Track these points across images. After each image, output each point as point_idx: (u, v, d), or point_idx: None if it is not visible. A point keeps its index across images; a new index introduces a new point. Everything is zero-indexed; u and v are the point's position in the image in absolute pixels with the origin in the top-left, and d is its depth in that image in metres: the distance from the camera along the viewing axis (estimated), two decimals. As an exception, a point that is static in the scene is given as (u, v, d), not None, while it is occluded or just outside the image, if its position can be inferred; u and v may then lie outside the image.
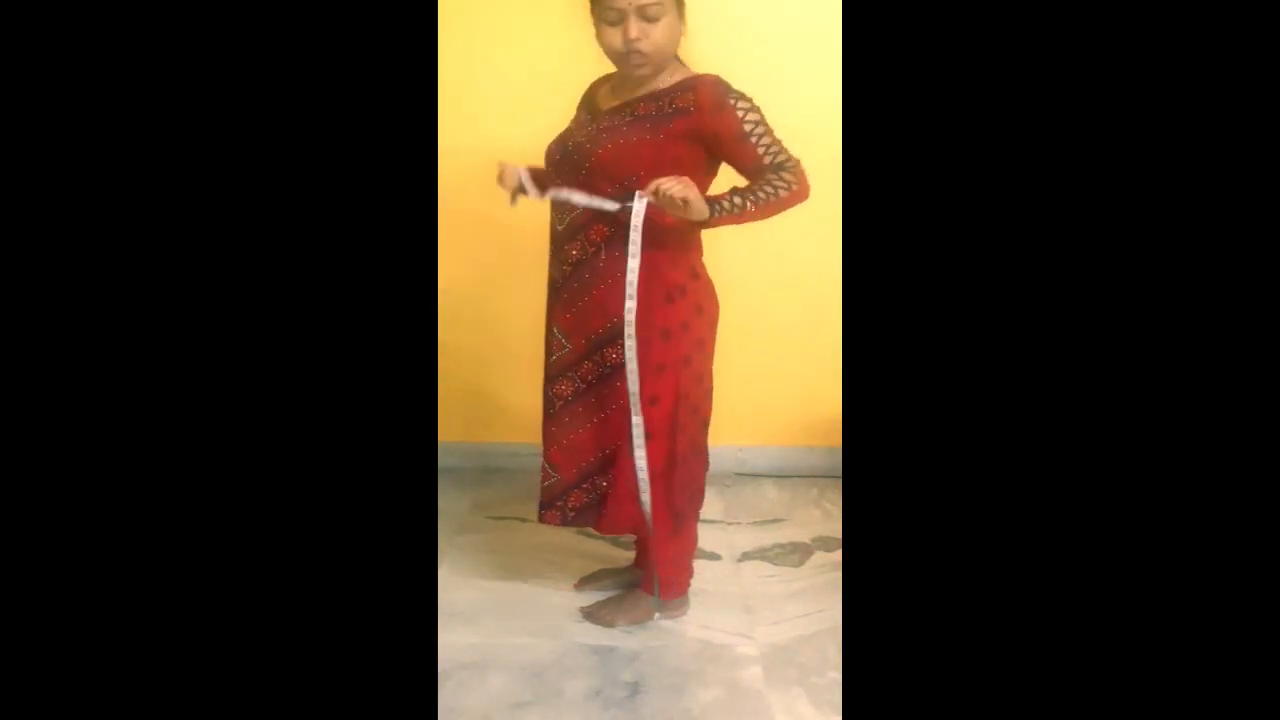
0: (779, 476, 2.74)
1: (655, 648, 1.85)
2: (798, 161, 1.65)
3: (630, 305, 1.66)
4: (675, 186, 1.54)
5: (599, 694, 1.70)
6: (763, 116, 1.64)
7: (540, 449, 1.85)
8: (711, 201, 1.60)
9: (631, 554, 2.13)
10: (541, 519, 1.87)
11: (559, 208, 1.74)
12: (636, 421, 1.72)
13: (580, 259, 1.72)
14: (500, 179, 1.79)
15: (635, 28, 1.57)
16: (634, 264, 1.64)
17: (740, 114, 1.62)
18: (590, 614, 1.96)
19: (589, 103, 1.81)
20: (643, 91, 1.68)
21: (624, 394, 1.73)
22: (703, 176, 1.69)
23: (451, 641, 1.84)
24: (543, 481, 1.85)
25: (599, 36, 1.65)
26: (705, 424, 1.85)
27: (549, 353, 1.82)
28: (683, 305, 1.72)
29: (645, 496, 1.78)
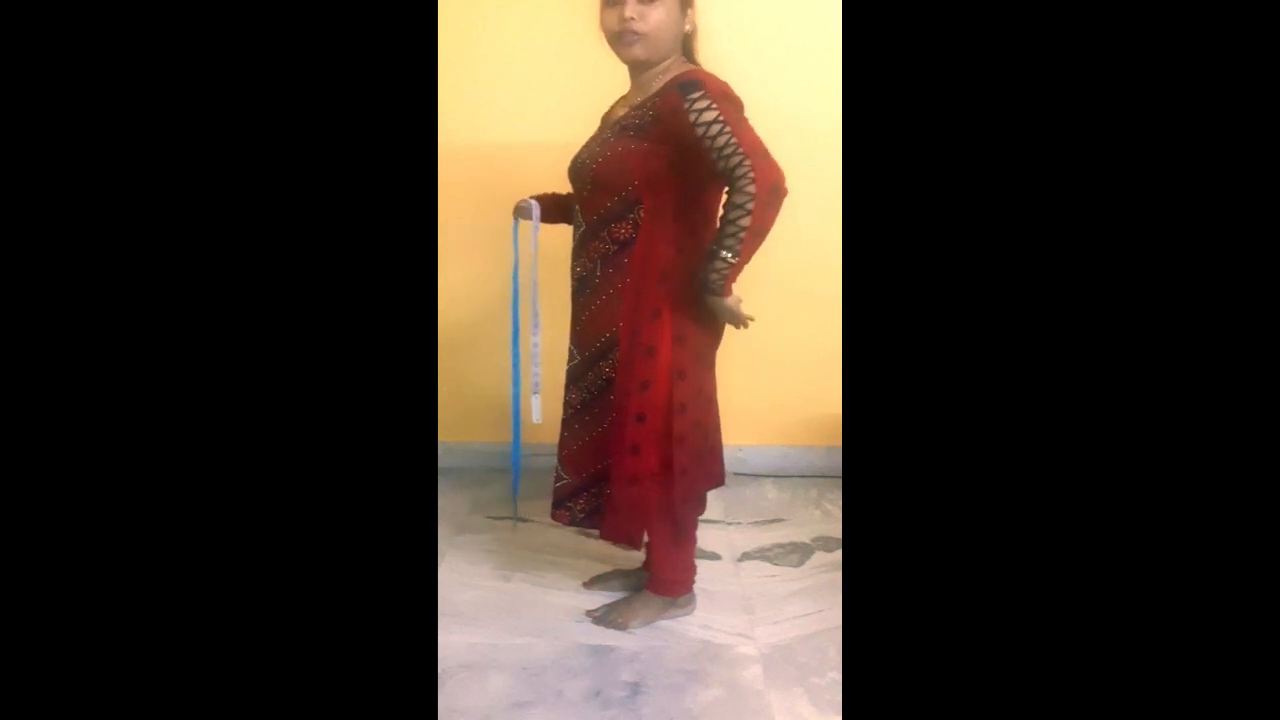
0: (779, 476, 2.74)
1: (655, 648, 1.85)
2: (750, 167, 1.48)
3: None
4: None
5: (599, 694, 1.70)
6: (722, 113, 1.49)
7: (538, 450, 1.86)
8: (704, 285, 1.60)
9: (634, 554, 2.12)
10: (553, 516, 1.90)
11: (576, 226, 1.78)
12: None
13: (583, 274, 1.75)
14: (516, 211, 1.87)
15: (631, 7, 1.58)
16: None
17: (694, 116, 1.50)
18: (601, 618, 1.94)
19: (605, 118, 1.82)
20: (641, 99, 1.65)
21: (615, 407, 1.74)
22: (698, 189, 1.64)
23: (451, 641, 1.85)
24: (555, 481, 1.88)
25: (601, 21, 1.66)
26: (710, 433, 1.82)
27: (568, 360, 1.84)
28: (672, 321, 1.69)
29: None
